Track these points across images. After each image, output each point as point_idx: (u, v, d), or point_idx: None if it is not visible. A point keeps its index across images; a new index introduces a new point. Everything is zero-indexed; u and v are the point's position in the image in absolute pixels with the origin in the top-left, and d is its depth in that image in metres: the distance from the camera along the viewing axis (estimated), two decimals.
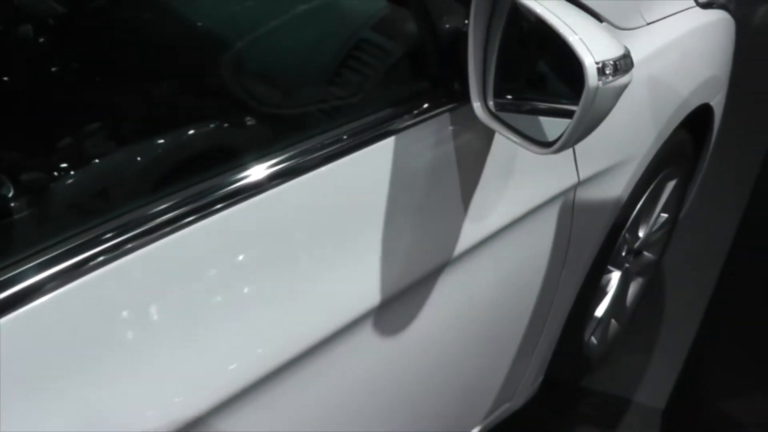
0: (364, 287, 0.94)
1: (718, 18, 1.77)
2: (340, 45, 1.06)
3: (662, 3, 1.52)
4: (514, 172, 1.12)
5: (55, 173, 0.88)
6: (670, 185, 1.87)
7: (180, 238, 0.76)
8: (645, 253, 1.96)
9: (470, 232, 1.06)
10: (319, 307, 0.89)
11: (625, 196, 1.49)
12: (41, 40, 1.10)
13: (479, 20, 0.91)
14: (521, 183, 1.14)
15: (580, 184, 1.28)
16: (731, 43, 1.89)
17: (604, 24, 1.29)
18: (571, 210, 1.30)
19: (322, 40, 1.10)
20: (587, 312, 1.74)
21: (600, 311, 1.83)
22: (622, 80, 0.82)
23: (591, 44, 0.79)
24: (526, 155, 1.11)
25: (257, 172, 0.83)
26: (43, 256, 0.68)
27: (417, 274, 1.01)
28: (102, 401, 0.70)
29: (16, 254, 0.68)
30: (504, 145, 1.08)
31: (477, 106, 0.96)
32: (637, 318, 2.14)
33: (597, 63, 0.78)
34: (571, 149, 1.23)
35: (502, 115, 0.95)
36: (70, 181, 0.89)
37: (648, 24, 1.46)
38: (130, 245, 0.72)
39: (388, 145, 0.95)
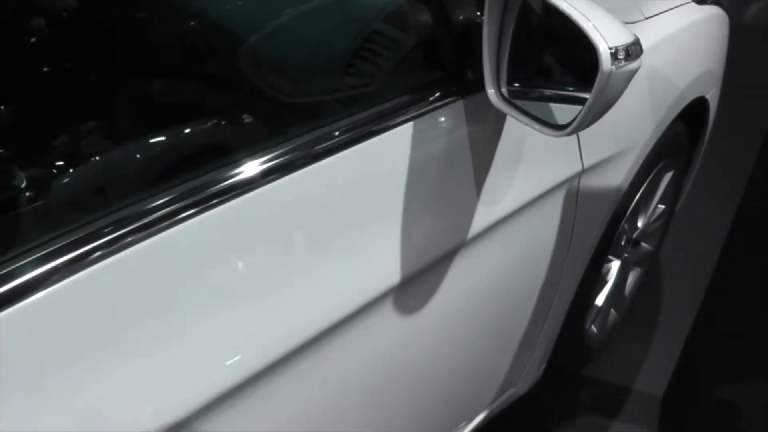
0: (378, 272, 0.95)
1: (713, 13, 1.82)
2: (355, 36, 1.09)
3: None
4: (522, 159, 1.15)
5: (60, 168, 0.89)
6: (668, 176, 1.91)
7: (199, 223, 0.77)
8: (643, 243, 2.00)
9: (481, 216, 1.09)
10: (330, 294, 0.90)
11: (626, 185, 1.52)
12: (52, 33, 1.09)
13: (494, 10, 0.94)
14: (529, 170, 1.17)
15: (584, 172, 1.31)
16: (725, 38, 1.93)
17: None
18: (575, 197, 1.33)
19: (338, 31, 1.12)
20: (588, 300, 1.78)
21: (600, 300, 1.87)
22: (633, 65, 0.85)
23: (604, 31, 0.83)
24: (534, 143, 1.15)
25: (271, 161, 0.84)
26: (39, 252, 0.68)
27: (430, 258, 1.03)
28: (98, 395, 0.70)
29: (14, 249, 0.68)
30: (513, 133, 1.11)
31: (491, 92, 0.99)
32: (636, 308, 2.17)
33: (611, 48, 0.82)
34: (576, 138, 1.27)
35: (516, 101, 0.98)
36: (68, 175, 0.90)
37: (646, 18, 1.50)
38: (129, 239, 0.72)
39: (402, 132, 0.97)
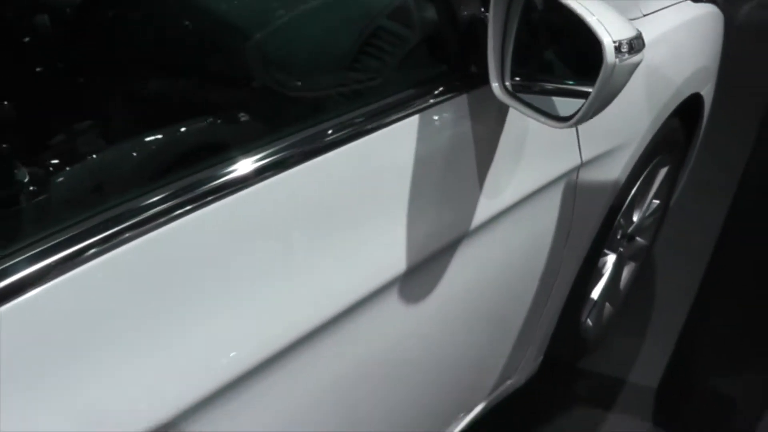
0: (380, 264, 0.97)
1: (708, 11, 1.84)
2: (360, 32, 1.10)
3: None
4: (523, 152, 1.17)
5: (60, 165, 0.89)
6: (663, 172, 1.94)
7: (197, 218, 0.77)
8: (637, 238, 2.02)
9: (483, 208, 1.11)
10: (330, 286, 0.90)
11: (622, 179, 1.55)
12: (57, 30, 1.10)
13: (499, 5, 0.96)
14: (530, 163, 1.19)
15: (582, 165, 1.34)
16: (720, 36, 1.96)
17: None
18: (574, 190, 1.35)
19: (344, 27, 1.13)
20: (585, 293, 1.80)
21: (596, 294, 1.90)
22: (636, 58, 0.87)
23: (608, 25, 0.85)
24: (535, 137, 1.17)
25: (279, 154, 0.85)
26: (34, 249, 0.67)
27: (434, 248, 1.05)
28: (95, 391, 0.69)
29: (10, 246, 0.67)
30: (515, 127, 1.13)
31: (496, 86, 1.01)
32: (630, 302, 2.20)
33: (614, 42, 0.84)
34: (575, 133, 1.30)
35: (520, 94, 1.00)
36: (67, 173, 0.89)
37: (644, 15, 1.52)
38: (124, 236, 0.72)
39: (406, 126, 0.98)
